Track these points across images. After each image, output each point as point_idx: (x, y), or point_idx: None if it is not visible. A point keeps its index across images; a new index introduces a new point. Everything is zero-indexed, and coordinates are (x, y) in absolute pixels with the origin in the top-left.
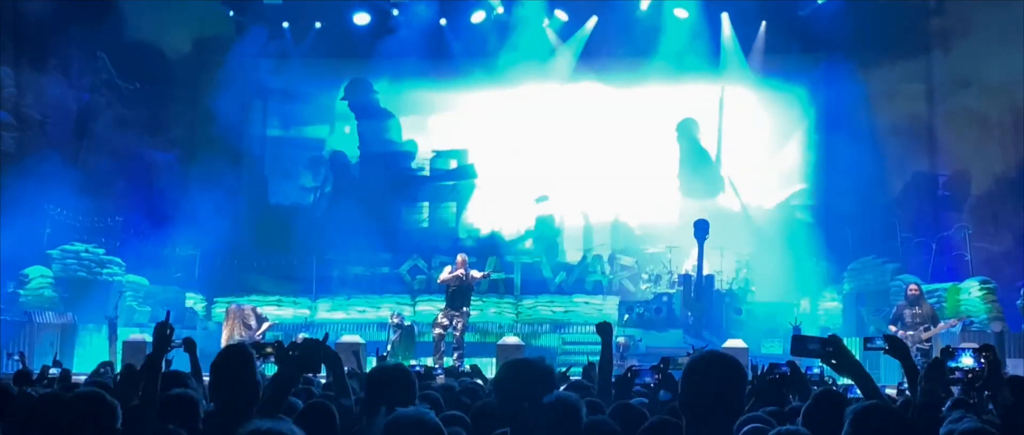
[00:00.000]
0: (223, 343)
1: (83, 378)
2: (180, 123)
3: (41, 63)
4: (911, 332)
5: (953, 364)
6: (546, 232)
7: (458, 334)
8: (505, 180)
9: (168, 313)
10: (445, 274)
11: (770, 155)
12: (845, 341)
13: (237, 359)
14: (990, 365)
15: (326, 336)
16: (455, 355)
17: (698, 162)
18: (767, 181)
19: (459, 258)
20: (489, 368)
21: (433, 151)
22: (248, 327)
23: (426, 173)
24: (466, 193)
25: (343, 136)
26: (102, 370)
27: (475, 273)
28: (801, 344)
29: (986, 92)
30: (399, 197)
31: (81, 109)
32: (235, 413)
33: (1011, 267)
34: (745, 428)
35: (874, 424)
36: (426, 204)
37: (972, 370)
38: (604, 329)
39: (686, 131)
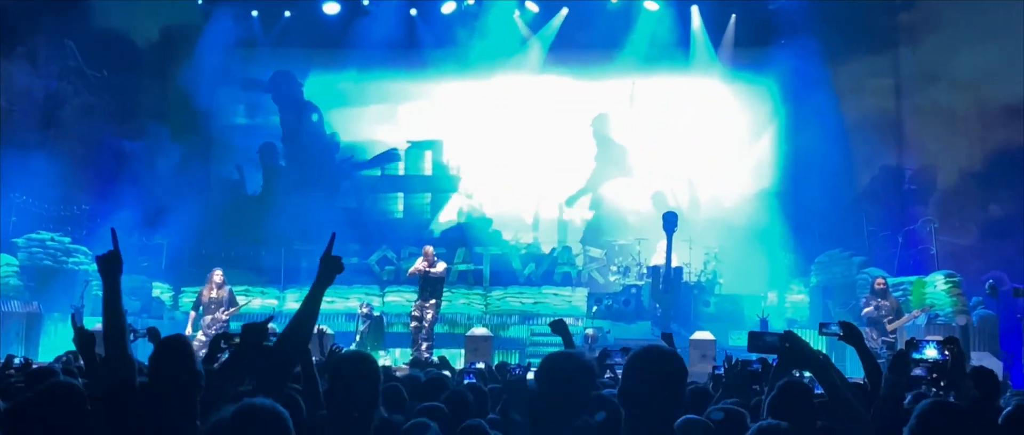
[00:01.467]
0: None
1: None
2: (148, 111)
3: (7, 50)
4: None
5: (917, 356)
6: (474, 224)
7: (427, 325)
8: (477, 171)
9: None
10: (414, 267)
11: (738, 147)
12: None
13: (172, 347)
14: (954, 358)
15: (270, 318)
16: (424, 346)
17: (611, 154)
18: (735, 173)
19: (425, 250)
20: (458, 360)
21: (407, 142)
22: (220, 287)
23: (401, 155)
24: (440, 184)
25: (310, 124)
26: (65, 358)
27: (441, 265)
28: (758, 340)
29: (953, 87)
30: (332, 187)
31: (48, 97)
32: (175, 390)
33: (976, 261)
34: (680, 419)
35: (940, 421)
36: (400, 195)
37: (936, 362)
38: (557, 326)
39: (599, 126)
